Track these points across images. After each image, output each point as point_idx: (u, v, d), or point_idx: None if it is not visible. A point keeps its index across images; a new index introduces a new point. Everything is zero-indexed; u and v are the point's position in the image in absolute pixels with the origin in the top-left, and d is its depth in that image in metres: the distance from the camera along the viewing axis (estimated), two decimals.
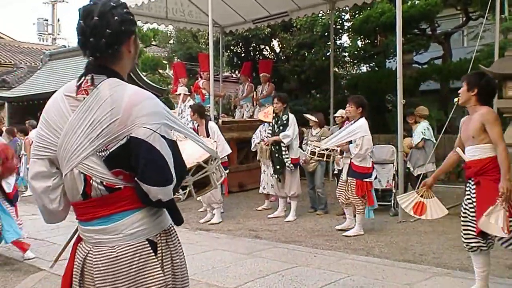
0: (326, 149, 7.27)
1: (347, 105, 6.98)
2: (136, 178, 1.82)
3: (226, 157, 7.82)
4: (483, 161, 3.98)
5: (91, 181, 1.85)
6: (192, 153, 2.47)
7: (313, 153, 7.46)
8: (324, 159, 7.54)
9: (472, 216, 4.03)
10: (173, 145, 1.89)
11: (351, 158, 6.81)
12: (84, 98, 1.86)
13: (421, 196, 4.46)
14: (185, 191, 2.40)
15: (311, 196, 8.66)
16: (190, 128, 6.20)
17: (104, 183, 1.85)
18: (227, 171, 7.85)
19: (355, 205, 6.81)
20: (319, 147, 7.40)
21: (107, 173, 1.84)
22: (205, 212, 8.33)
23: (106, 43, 1.86)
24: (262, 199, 9.18)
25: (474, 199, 4.03)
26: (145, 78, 16.94)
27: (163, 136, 1.83)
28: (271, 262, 5.51)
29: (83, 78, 1.90)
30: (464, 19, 15.05)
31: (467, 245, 4.17)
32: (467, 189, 4.13)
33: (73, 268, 1.97)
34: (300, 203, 8.42)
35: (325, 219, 8.05)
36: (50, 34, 33.10)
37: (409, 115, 8.78)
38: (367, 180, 6.72)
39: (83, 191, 1.88)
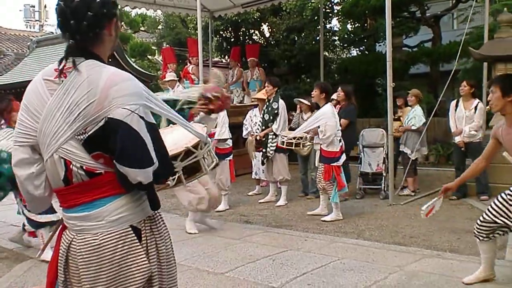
0: (294, 138, 7.33)
1: (314, 89, 7.06)
2: (114, 161, 1.77)
3: (227, 143, 7.69)
4: None
5: (71, 166, 1.82)
6: (181, 138, 2.42)
7: (282, 142, 7.51)
8: (293, 147, 7.54)
9: None
10: (152, 128, 1.83)
11: (320, 144, 6.90)
12: (62, 81, 1.82)
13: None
14: (174, 177, 2.36)
15: (303, 180, 8.67)
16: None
17: (84, 168, 1.81)
18: (231, 157, 7.77)
19: (327, 191, 6.86)
20: (287, 136, 7.45)
21: (87, 157, 1.80)
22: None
23: (87, 26, 1.81)
24: (253, 184, 9.18)
25: None
26: (133, 64, 16.76)
27: (142, 118, 1.78)
28: (262, 246, 5.52)
29: (63, 61, 1.85)
30: (453, 1, 15.00)
31: (482, 234, 3.95)
32: None
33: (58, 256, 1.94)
34: (291, 187, 8.43)
35: (316, 203, 8.02)
36: (37, 20, 32.65)
37: (399, 97, 8.75)
38: (335, 164, 6.72)
39: (64, 176, 1.85)
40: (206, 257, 5.17)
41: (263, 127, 8.05)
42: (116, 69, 1.84)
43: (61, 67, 1.85)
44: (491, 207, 3.91)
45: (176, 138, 2.47)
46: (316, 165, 7.15)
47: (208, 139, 2.44)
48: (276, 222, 6.85)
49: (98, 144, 1.79)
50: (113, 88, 1.75)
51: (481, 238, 3.99)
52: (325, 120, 6.65)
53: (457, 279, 4.21)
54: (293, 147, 7.54)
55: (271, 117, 7.92)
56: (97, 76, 1.78)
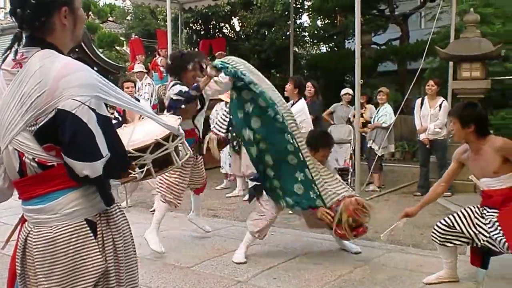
0: None
1: (288, 83, 7.03)
2: (61, 152, 1.75)
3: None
4: (508, 189, 3.74)
5: (24, 158, 1.79)
6: (151, 131, 2.39)
7: None
8: None
9: (493, 235, 3.70)
10: (105, 121, 1.79)
11: None
12: (18, 71, 1.78)
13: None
14: (142, 169, 2.32)
15: None
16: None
17: (36, 160, 1.78)
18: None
19: None
20: None
21: (39, 149, 1.77)
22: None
23: (30, 14, 1.77)
24: (221, 178, 9.15)
25: (495, 225, 3.72)
26: (101, 55, 16.49)
27: (93, 110, 1.74)
28: (229, 240, 5.51)
29: (8, 50, 1.82)
30: (422, 0, 15.22)
31: (438, 238, 4.02)
32: (485, 214, 3.84)
33: None
34: None
35: None
36: (2, 8, 31.82)
37: (361, 95, 8.82)
38: None
39: (19, 168, 1.82)
40: (172, 251, 5.13)
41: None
42: (70, 60, 1.79)
43: (5, 56, 1.82)
44: (457, 213, 3.98)
45: (149, 129, 2.44)
46: None
47: (181, 131, 2.41)
48: (243, 216, 6.82)
49: (48, 135, 1.75)
50: (64, 79, 1.71)
51: (437, 242, 4.03)
52: (303, 117, 6.60)
53: (420, 273, 4.30)
54: None
55: None
56: (49, 66, 1.73)
